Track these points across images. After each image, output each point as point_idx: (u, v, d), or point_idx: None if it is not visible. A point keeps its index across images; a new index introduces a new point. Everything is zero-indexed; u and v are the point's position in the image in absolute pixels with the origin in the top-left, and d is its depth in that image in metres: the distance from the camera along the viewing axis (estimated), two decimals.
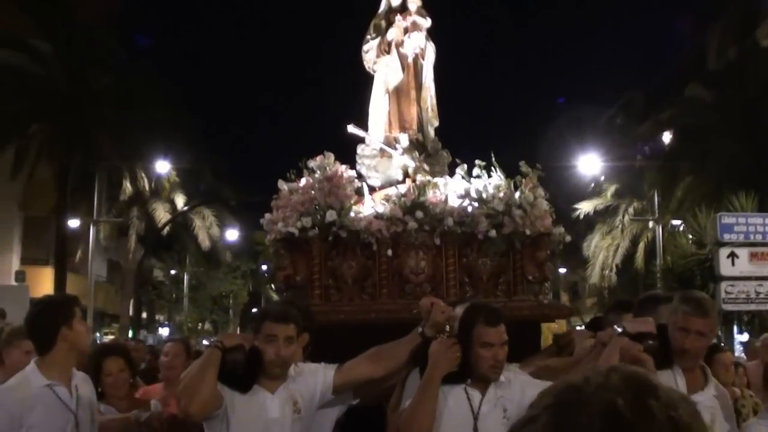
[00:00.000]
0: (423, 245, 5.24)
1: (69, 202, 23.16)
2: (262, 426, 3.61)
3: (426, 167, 5.73)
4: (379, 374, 3.82)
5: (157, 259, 34.11)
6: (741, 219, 13.16)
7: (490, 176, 5.44)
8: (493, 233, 5.18)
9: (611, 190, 29.26)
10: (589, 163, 26.37)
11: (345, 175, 5.35)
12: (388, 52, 6.00)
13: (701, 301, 3.78)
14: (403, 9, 6.11)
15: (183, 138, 25.52)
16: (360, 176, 5.69)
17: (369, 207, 5.35)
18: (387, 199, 5.36)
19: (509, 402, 3.62)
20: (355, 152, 5.93)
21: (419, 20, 6.03)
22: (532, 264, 5.34)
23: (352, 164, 5.68)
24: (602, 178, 28.96)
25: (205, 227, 31.14)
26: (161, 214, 29.03)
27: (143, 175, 26.23)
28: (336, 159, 5.42)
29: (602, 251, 28.88)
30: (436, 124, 6.08)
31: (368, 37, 6.10)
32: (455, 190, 5.45)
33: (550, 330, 5.59)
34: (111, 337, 27.72)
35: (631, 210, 28.55)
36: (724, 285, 12.33)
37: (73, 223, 24.68)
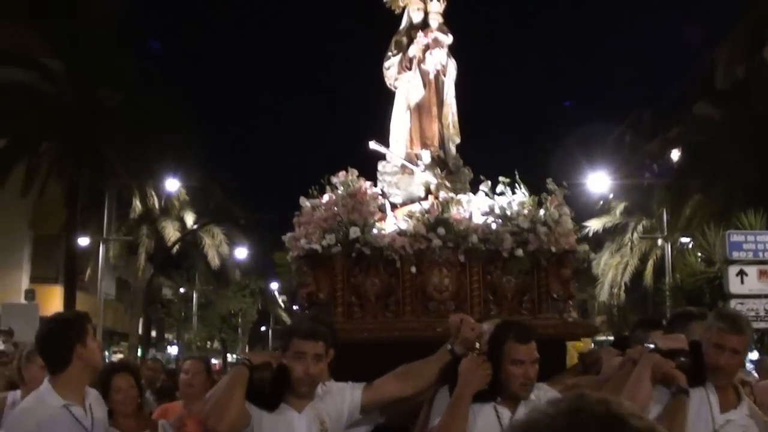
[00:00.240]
0: (447, 262, 5.20)
1: (79, 220, 23.15)
2: None
3: (447, 184, 5.70)
4: (408, 393, 3.77)
5: (166, 278, 34.16)
6: (750, 237, 13.11)
7: (514, 193, 5.41)
8: (519, 251, 5.15)
9: (620, 207, 29.25)
10: (598, 181, 26.30)
11: (369, 192, 5.32)
12: (410, 69, 5.98)
13: (736, 318, 3.78)
14: (424, 25, 6.10)
15: (192, 156, 25.63)
16: (382, 193, 5.67)
17: (391, 224, 5.32)
18: (410, 215, 5.32)
19: None
20: (371, 168, 5.90)
21: (441, 36, 6.01)
22: (556, 282, 5.30)
23: (371, 180, 5.65)
24: (611, 195, 28.92)
25: (214, 245, 31.18)
26: (171, 232, 29.09)
27: (153, 193, 26.26)
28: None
29: (611, 269, 28.77)
30: (458, 140, 6.06)
31: (389, 53, 6.08)
32: (479, 206, 5.42)
33: (575, 348, 5.54)
34: (120, 355, 27.65)
35: (640, 228, 28.51)
36: (733, 303, 12.23)
37: (83, 241, 24.65)
